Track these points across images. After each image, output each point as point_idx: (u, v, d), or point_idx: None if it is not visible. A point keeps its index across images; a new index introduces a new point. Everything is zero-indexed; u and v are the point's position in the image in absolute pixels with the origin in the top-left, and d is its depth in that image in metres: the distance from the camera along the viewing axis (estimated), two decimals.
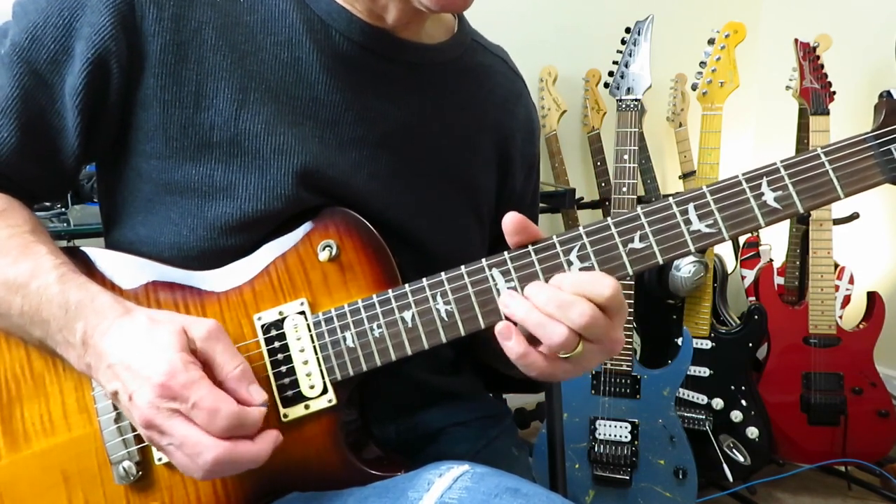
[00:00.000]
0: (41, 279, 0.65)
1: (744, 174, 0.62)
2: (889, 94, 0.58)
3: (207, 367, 0.61)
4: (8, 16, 0.73)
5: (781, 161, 0.61)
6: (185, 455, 0.58)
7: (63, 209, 1.46)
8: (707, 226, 0.62)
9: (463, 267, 0.66)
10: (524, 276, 0.64)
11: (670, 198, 0.63)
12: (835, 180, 0.60)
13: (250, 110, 0.72)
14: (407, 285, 0.68)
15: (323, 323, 0.69)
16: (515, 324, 0.62)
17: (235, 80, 0.72)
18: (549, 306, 0.60)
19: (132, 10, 0.69)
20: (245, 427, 0.59)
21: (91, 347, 0.62)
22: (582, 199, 2.36)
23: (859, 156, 0.60)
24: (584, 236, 0.64)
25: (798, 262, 2.23)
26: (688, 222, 0.62)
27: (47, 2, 0.70)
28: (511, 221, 0.64)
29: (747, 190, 0.61)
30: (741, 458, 1.94)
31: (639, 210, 0.63)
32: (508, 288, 0.64)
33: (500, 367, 0.91)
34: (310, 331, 0.69)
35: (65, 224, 1.45)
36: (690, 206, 0.62)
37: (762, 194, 0.61)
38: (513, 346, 0.61)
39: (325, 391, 0.68)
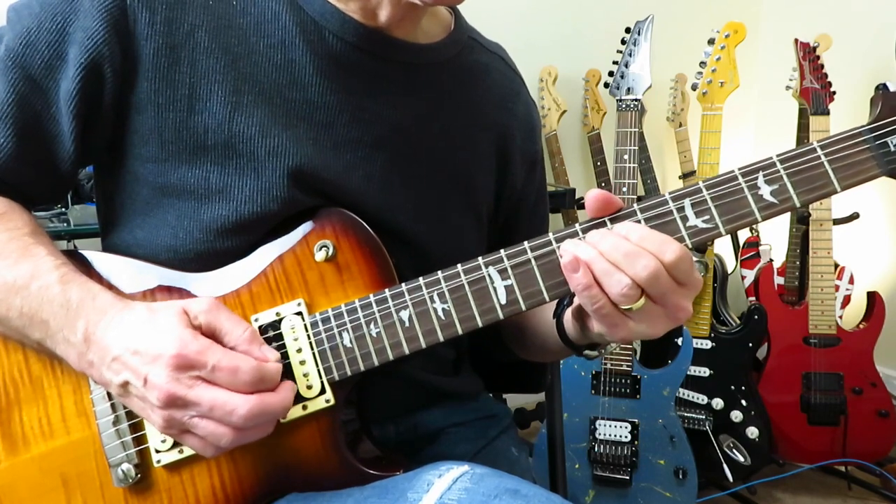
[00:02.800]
0: (42, 280, 0.65)
1: (740, 169, 0.61)
2: (885, 86, 0.58)
3: (215, 337, 0.63)
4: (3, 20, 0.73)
5: (778, 155, 0.61)
6: (215, 421, 0.59)
7: (63, 209, 1.47)
8: (703, 221, 0.62)
9: (459, 266, 0.66)
10: (521, 273, 0.64)
11: (666, 194, 0.62)
12: (831, 173, 0.60)
13: (244, 113, 0.72)
14: (404, 285, 0.67)
15: (320, 323, 0.69)
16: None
17: (229, 82, 0.72)
18: (614, 253, 0.59)
19: (124, 14, 0.69)
20: (266, 380, 0.62)
21: (94, 343, 0.62)
22: (582, 199, 2.35)
23: (855, 149, 0.60)
24: (580, 234, 0.63)
25: (798, 262, 2.23)
26: (684, 218, 0.62)
27: (41, 7, 0.70)
28: (594, 197, 0.63)
29: (743, 184, 0.61)
30: (741, 458, 1.94)
31: (635, 206, 0.63)
32: (505, 286, 0.64)
33: (522, 352, 0.91)
34: (307, 331, 0.69)
35: (65, 224, 1.44)
36: (686, 202, 0.62)
37: (758, 188, 0.61)
38: (580, 277, 0.60)
39: (322, 391, 0.68)
